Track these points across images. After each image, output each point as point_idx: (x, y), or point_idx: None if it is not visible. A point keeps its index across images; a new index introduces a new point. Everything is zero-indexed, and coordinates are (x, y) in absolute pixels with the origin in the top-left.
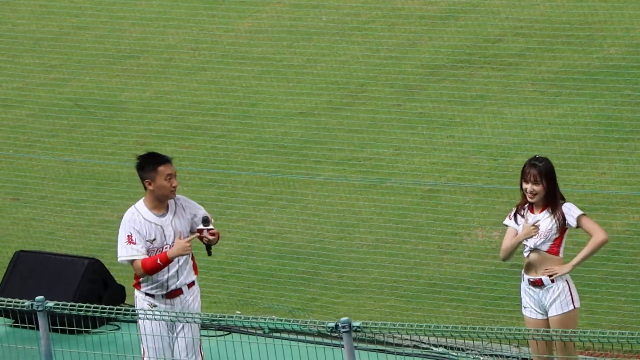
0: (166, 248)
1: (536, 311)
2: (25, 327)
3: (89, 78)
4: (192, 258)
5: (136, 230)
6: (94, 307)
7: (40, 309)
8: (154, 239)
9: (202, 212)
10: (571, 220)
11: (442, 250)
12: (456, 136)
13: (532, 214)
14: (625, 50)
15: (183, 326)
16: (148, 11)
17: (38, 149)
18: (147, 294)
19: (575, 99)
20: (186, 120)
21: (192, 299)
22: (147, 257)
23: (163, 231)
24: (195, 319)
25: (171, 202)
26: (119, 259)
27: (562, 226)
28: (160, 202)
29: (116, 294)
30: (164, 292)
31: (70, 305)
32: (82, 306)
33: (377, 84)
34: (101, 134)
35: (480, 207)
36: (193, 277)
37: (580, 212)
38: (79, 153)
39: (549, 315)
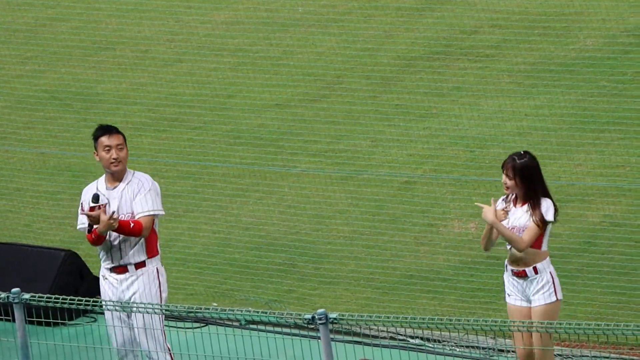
0: None
1: (520, 299)
2: (1, 320)
3: (65, 70)
4: (148, 239)
5: (86, 200)
6: (70, 299)
7: (16, 301)
8: None
9: (143, 191)
10: (549, 216)
11: (418, 242)
12: (432, 128)
13: (514, 207)
14: (601, 41)
15: (135, 314)
16: (124, 2)
17: (14, 141)
18: (102, 265)
19: (551, 90)
20: (162, 112)
21: (141, 281)
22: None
23: (109, 205)
24: (160, 310)
25: (127, 176)
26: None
27: (542, 222)
28: (112, 175)
29: (92, 286)
30: (110, 265)
31: (47, 298)
32: (58, 298)
33: (353, 75)
34: (77, 125)
35: (456, 198)
36: (142, 257)
37: (544, 217)
38: (55, 145)
39: (532, 305)
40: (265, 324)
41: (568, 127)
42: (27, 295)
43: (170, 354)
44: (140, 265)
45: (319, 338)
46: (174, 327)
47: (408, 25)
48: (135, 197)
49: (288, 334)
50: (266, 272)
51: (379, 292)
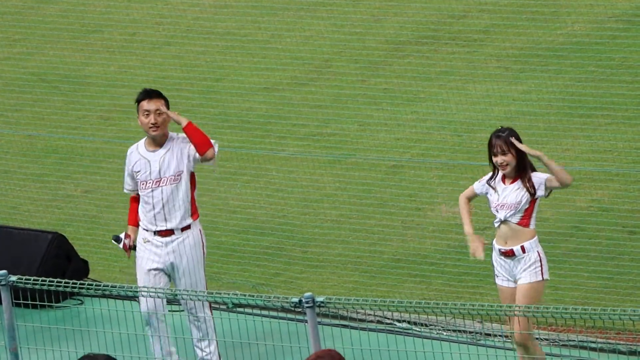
0: (149, 182)
1: (508, 279)
2: None
3: (53, 52)
4: (192, 202)
5: (126, 163)
6: (57, 282)
7: (3, 283)
8: (139, 171)
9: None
10: (541, 189)
11: (405, 226)
12: (420, 112)
13: (503, 184)
14: (589, 26)
15: (182, 277)
16: None
17: (2, 123)
18: (143, 229)
19: (539, 75)
20: None
21: (187, 243)
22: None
23: (150, 166)
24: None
25: (169, 140)
26: None
27: (533, 197)
28: (153, 139)
29: (80, 269)
30: (155, 229)
31: (34, 280)
32: (45, 280)
33: (341, 59)
34: (65, 108)
35: (444, 182)
36: (188, 221)
37: (547, 175)
38: (42, 127)
39: (518, 282)
40: (253, 307)
41: (556, 112)
42: (14, 278)
43: (210, 307)
44: (185, 228)
45: (305, 321)
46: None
47: (396, 9)
48: (190, 150)
49: (275, 317)
50: (253, 255)
51: (366, 276)
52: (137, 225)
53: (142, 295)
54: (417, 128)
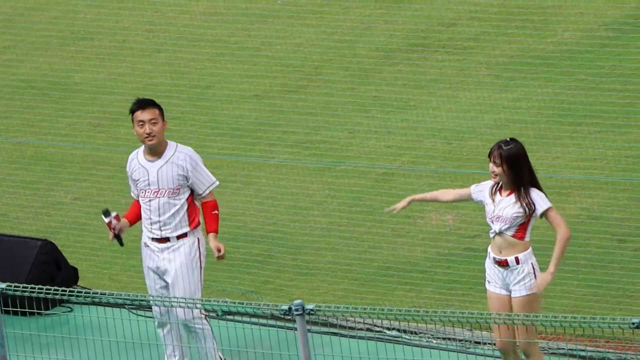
0: (148, 192)
1: (500, 287)
2: None
3: (43, 59)
4: (190, 211)
5: (128, 171)
6: (47, 289)
7: None
8: (138, 180)
9: (194, 167)
10: (538, 211)
11: (395, 234)
12: (410, 119)
13: (500, 196)
14: (579, 34)
15: (173, 285)
16: None
17: None
18: (145, 233)
19: (529, 83)
20: None
21: (181, 251)
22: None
23: (148, 175)
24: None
25: (169, 150)
26: None
27: (528, 213)
28: (150, 149)
29: (69, 276)
30: (152, 236)
31: (23, 287)
32: (34, 288)
33: (331, 67)
34: (55, 115)
35: (434, 190)
36: (185, 229)
37: (548, 205)
38: (32, 134)
39: (512, 295)
40: (242, 314)
41: (546, 120)
42: (3, 285)
43: (206, 318)
44: (182, 236)
45: (295, 329)
46: (151, 317)
47: (386, 17)
48: (189, 174)
49: (265, 325)
50: (243, 262)
51: (356, 284)
52: (131, 222)
53: (150, 303)
54: (407, 136)
